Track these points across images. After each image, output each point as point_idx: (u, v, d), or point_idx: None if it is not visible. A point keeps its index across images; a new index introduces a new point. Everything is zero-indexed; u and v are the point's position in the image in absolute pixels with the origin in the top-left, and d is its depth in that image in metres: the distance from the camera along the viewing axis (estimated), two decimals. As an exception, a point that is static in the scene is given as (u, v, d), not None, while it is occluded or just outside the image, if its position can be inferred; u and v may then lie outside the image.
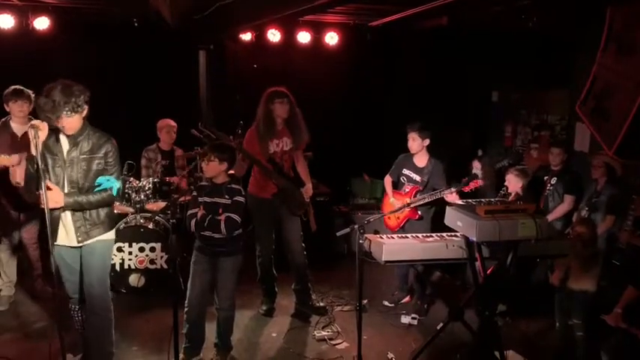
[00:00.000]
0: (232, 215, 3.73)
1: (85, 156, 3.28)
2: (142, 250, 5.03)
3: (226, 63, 7.32)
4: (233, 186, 3.83)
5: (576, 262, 3.84)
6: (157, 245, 5.05)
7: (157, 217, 5.18)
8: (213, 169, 3.77)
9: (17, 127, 4.58)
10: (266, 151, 4.57)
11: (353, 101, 7.54)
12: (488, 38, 6.89)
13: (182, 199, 4.52)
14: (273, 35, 6.98)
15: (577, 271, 3.85)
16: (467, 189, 4.43)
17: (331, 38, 7.20)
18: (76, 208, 3.29)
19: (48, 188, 3.11)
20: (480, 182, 4.51)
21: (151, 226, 5.08)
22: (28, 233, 4.77)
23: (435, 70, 7.46)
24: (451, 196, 4.46)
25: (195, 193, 3.89)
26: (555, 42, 6.30)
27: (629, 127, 2.59)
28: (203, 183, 3.90)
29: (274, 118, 4.56)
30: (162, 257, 5.06)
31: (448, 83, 7.44)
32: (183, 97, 6.73)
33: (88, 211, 3.34)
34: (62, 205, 3.22)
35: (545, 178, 5.20)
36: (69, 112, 3.12)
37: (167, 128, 5.66)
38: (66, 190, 3.27)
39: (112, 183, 3.35)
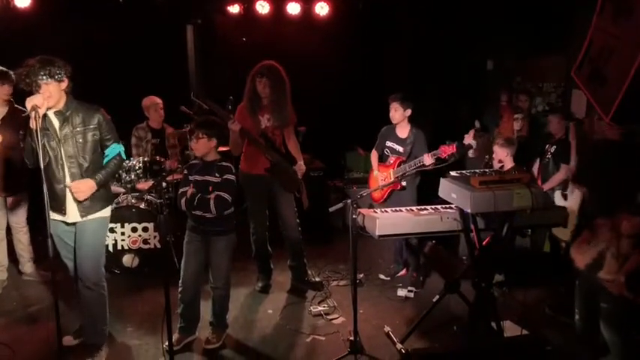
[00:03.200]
0: (222, 194, 3.66)
1: (78, 129, 3.33)
2: (134, 230, 4.98)
3: (215, 37, 7.17)
4: (223, 163, 3.77)
5: (615, 259, 3.47)
6: (150, 225, 5.00)
7: (148, 197, 5.12)
8: (203, 146, 3.70)
9: None
10: (258, 126, 4.49)
11: (346, 73, 7.41)
12: (482, 5, 6.75)
13: (171, 177, 4.45)
14: (262, 7, 6.83)
15: (614, 265, 3.48)
16: (444, 155, 4.34)
17: (321, 8, 7.03)
18: (105, 184, 3.45)
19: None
20: (453, 148, 4.41)
21: (142, 205, 5.02)
22: (17, 217, 4.71)
23: (428, 40, 7.33)
24: (429, 160, 4.41)
25: (185, 172, 3.83)
26: (551, 6, 6.16)
27: (626, 91, 2.50)
28: (193, 161, 3.82)
29: (258, 94, 4.46)
30: (155, 237, 5.01)
31: (443, 52, 7.31)
32: (171, 74, 6.61)
33: None
34: (96, 188, 3.37)
35: (547, 146, 5.14)
36: (45, 77, 3.14)
37: (154, 106, 5.56)
38: (66, 167, 3.33)
39: (116, 149, 3.49)
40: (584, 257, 3.63)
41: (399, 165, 4.71)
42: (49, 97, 3.17)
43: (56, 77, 3.18)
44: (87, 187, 3.34)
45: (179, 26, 6.87)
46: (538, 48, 6.67)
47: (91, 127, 3.37)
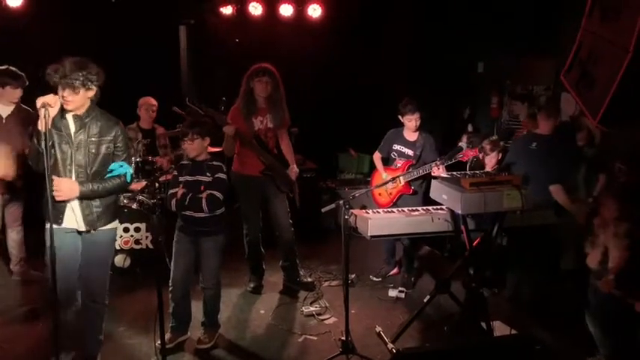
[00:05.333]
0: (214, 192, 3.68)
1: (93, 139, 3.14)
2: (126, 230, 4.97)
3: (208, 38, 7.18)
4: (214, 163, 3.79)
5: (615, 248, 3.44)
6: (142, 225, 5.00)
7: (140, 197, 5.12)
8: (199, 145, 3.71)
9: (2, 107, 4.52)
10: (251, 128, 4.51)
11: (338, 75, 7.44)
12: (473, 7, 6.81)
13: (163, 178, 4.45)
14: (255, 9, 6.87)
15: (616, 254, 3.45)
16: (465, 158, 4.39)
17: (314, 10, 7.08)
18: (91, 197, 3.16)
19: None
20: (476, 152, 4.45)
21: (134, 206, 5.02)
22: (12, 216, 4.69)
23: (420, 42, 7.37)
24: (437, 170, 4.43)
25: (175, 173, 3.83)
26: (541, 10, 6.22)
27: (614, 94, 2.55)
28: (184, 162, 3.83)
29: (255, 96, 4.48)
30: (147, 237, 5.01)
31: (434, 55, 7.36)
32: (164, 74, 6.60)
33: (97, 199, 3.20)
34: (78, 194, 3.10)
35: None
36: (78, 83, 2.95)
37: (146, 106, 5.58)
38: (74, 174, 3.13)
39: (125, 169, 3.23)
40: (594, 256, 3.68)
41: (407, 169, 4.69)
42: (70, 102, 3.01)
43: (86, 85, 3.00)
44: (67, 188, 3.06)
45: (172, 27, 6.87)
46: (528, 51, 6.73)
47: (107, 138, 3.17)
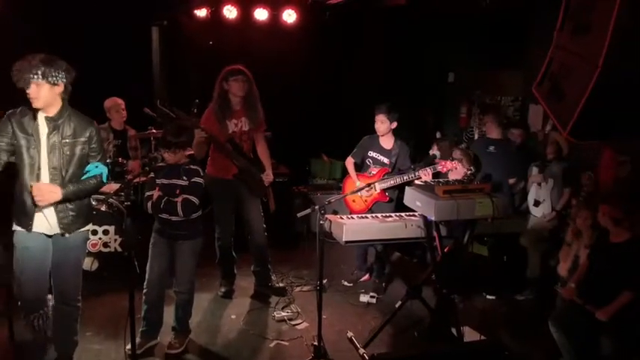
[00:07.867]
0: (190, 197, 3.65)
1: (67, 140, 3.05)
2: (94, 233, 4.87)
3: (181, 40, 7.11)
4: (191, 167, 3.74)
5: (586, 252, 3.68)
6: (111, 228, 4.90)
7: (110, 200, 5.02)
8: (181, 156, 3.68)
9: None
10: (225, 131, 4.47)
11: (311, 81, 7.48)
12: (445, 18, 6.93)
13: (136, 180, 4.38)
14: (229, 12, 6.84)
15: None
16: (444, 170, 4.38)
17: (289, 16, 7.09)
18: (71, 199, 3.09)
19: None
20: (455, 165, 4.44)
21: (103, 208, 4.92)
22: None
23: (393, 51, 7.47)
24: (425, 177, 4.42)
25: (152, 175, 3.78)
26: (508, 22, 6.38)
27: (583, 108, 2.63)
28: (160, 164, 3.78)
29: (229, 98, 4.45)
30: (116, 240, 4.92)
31: (406, 63, 7.47)
32: (135, 74, 6.50)
33: (72, 202, 3.13)
34: (60, 197, 3.01)
35: None
36: (36, 76, 2.86)
37: (115, 107, 5.49)
38: (48, 178, 3.04)
39: (100, 169, 3.18)
40: (566, 265, 3.79)
41: (383, 176, 4.70)
42: (35, 99, 2.92)
43: (49, 79, 2.90)
44: (49, 193, 2.98)
45: (144, 27, 6.78)
46: (496, 63, 6.89)
47: (81, 139, 3.10)
